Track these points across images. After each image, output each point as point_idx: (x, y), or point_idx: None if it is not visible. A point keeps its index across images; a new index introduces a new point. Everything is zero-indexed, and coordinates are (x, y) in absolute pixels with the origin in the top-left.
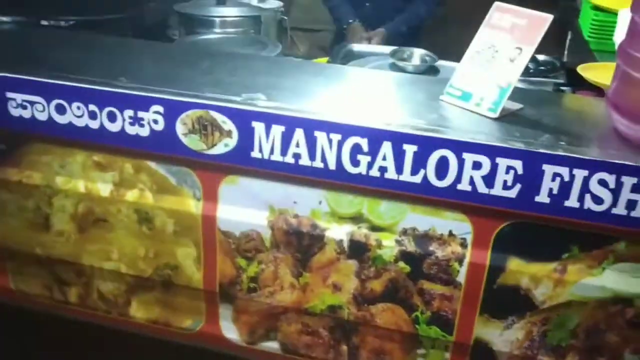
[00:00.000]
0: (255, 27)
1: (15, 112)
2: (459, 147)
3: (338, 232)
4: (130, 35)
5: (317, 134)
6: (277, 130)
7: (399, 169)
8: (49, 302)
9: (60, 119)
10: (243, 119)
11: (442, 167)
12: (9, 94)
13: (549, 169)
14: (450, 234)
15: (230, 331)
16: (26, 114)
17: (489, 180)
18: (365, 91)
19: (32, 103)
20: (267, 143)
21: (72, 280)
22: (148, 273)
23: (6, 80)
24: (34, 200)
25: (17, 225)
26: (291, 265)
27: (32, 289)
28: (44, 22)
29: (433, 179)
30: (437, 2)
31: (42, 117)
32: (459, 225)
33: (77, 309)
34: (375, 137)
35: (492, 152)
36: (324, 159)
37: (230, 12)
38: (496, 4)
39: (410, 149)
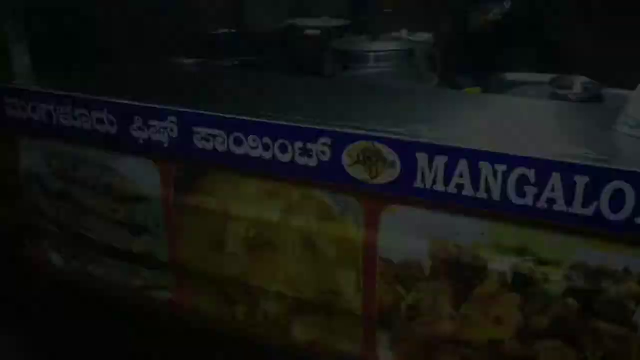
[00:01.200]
0: (407, 60)
1: (199, 144)
2: (638, 180)
3: (501, 264)
4: (287, 72)
5: (481, 164)
6: (440, 161)
7: (569, 202)
8: (219, 320)
9: (238, 150)
10: (407, 150)
11: (617, 200)
12: (195, 129)
13: None
14: (626, 270)
15: (388, 358)
16: (208, 146)
17: None
18: (528, 121)
19: (214, 136)
20: (430, 174)
21: (241, 300)
22: (310, 297)
23: (193, 116)
24: (211, 224)
25: (195, 246)
26: (451, 296)
27: (205, 307)
28: (214, 63)
29: (607, 212)
30: None
31: (221, 148)
32: (637, 262)
33: (245, 328)
34: (544, 168)
35: None
36: (488, 190)
37: (385, 46)
38: None
39: (581, 181)
